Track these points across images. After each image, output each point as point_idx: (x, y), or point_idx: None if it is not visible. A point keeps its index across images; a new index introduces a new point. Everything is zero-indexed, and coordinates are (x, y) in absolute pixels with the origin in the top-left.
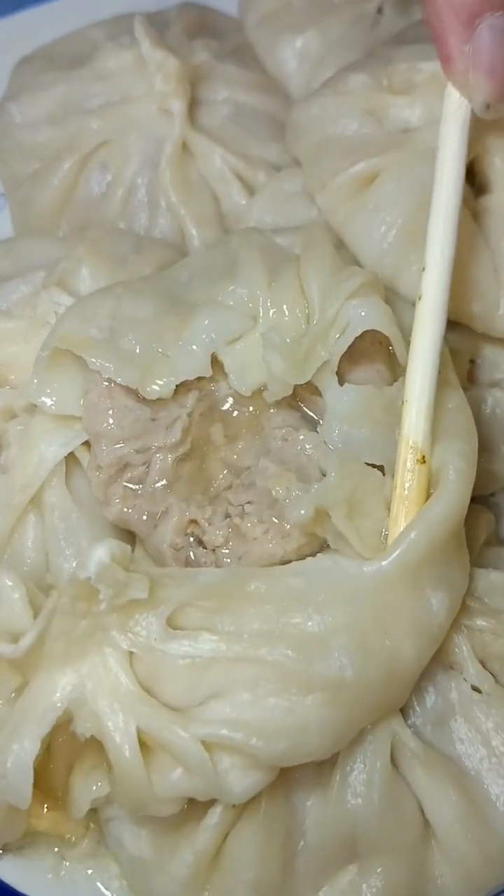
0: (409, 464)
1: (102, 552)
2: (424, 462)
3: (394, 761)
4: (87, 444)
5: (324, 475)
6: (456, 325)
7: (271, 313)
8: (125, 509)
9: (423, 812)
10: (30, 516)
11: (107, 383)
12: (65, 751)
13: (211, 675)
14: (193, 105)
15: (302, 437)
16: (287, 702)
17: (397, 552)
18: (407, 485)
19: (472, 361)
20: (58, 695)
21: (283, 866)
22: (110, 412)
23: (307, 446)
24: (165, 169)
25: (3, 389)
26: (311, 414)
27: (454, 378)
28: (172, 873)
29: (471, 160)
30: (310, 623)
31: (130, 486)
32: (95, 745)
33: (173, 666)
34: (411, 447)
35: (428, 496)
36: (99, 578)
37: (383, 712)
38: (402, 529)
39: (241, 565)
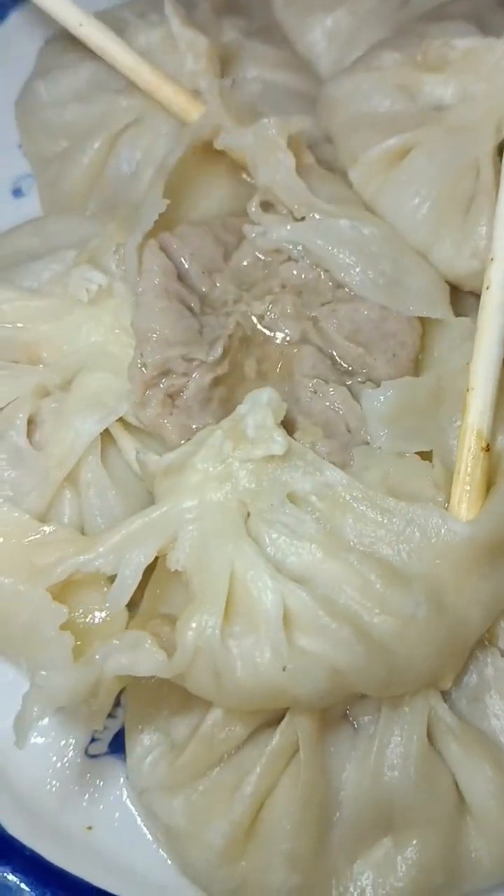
0: (472, 450)
1: (265, 395)
2: (488, 450)
3: (429, 736)
4: (121, 420)
5: (349, 432)
6: None
7: None
8: (162, 419)
9: (457, 787)
10: (66, 493)
11: (162, 278)
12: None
13: (302, 561)
14: None
15: (332, 391)
16: (361, 608)
17: (489, 521)
18: (469, 471)
19: None
20: (180, 518)
21: (318, 838)
22: (165, 312)
23: (336, 403)
24: None
25: (35, 367)
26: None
27: None
28: (208, 842)
29: None
30: (396, 560)
31: (169, 396)
32: None
33: (276, 536)
34: (476, 435)
35: (489, 483)
36: (251, 414)
37: (432, 678)
38: (464, 514)
39: None
